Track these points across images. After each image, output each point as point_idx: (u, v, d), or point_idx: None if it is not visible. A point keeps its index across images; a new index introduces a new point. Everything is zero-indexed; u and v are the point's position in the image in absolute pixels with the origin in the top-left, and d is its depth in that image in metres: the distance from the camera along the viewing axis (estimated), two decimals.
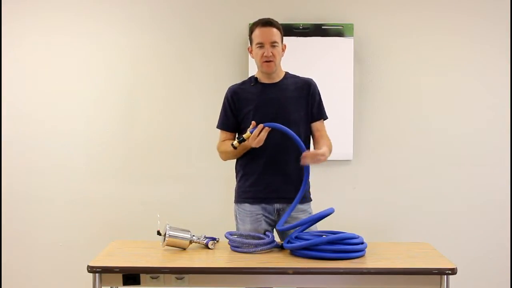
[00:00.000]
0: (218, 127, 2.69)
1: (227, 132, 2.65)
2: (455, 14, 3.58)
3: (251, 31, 2.58)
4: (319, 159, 2.42)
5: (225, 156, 2.67)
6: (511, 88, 3.57)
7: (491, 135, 3.59)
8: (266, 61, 2.55)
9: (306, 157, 2.41)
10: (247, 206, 2.62)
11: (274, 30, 2.54)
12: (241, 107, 2.62)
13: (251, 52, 2.61)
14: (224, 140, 2.65)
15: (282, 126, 2.42)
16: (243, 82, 2.71)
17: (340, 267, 2.13)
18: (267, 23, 2.54)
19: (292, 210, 2.49)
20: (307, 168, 2.47)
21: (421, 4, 3.59)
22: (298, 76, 2.69)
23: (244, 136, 2.41)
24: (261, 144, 2.42)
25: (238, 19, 3.56)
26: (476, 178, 3.60)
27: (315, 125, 2.66)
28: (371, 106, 3.60)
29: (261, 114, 2.57)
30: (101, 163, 3.60)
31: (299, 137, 2.57)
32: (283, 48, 2.61)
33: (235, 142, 2.41)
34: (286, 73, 2.69)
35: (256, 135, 2.39)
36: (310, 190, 2.68)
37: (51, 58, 3.59)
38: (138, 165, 3.61)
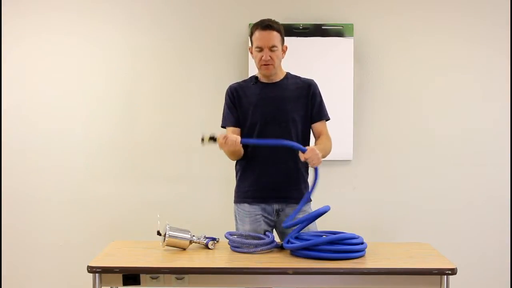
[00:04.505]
0: (222, 125, 2.68)
1: (233, 128, 2.62)
2: (455, 15, 3.59)
3: (251, 32, 2.57)
4: (313, 159, 2.38)
5: (229, 156, 2.63)
6: (511, 88, 3.57)
7: (491, 134, 3.59)
8: (265, 65, 2.55)
9: (307, 152, 2.38)
10: (246, 206, 2.63)
11: (274, 33, 2.51)
12: (241, 105, 2.62)
13: (251, 52, 2.61)
14: None
15: (275, 140, 2.45)
16: (244, 81, 2.71)
17: (340, 267, 2.13)
18: (267, 26, 2.51)
19: (298, 211, 2.46)
20: (316, 170, 2.43)
21: (421, 4, 3.59)
22: (300, 77, 2.69)
23: (216, 136, 2.40)
24: (231, 148, 2.41)
25: (238, 19, 3.56)
26: (476, 178, 3.60)
27: (316, 126, 2.66)
28: (371, 106, 3.60)
29: (259, 113, 2.57)
30: (101, 163, 3.60)
31: (297, 136, 2.58)
32: (284, 50, 2.60)
33: (206, 137, 2.40)
34: (287, 73, 2.68)
35: (223, 142, 2.38)
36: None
37: (51, 58, 3.59)
38: (138, 165, 3.61)
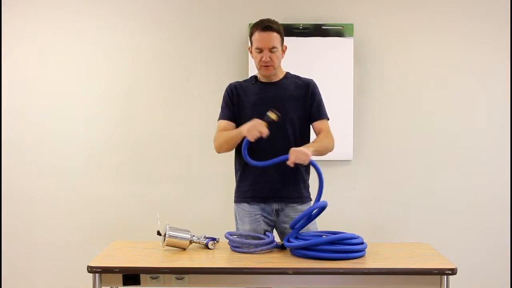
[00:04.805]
0: (218, 119, 2.67)
1: (228, 122, 2.62)
2: (455, 14, 3.59)
3: (251, 32, 2.57)
4: (301, 157, 2.38)
5: (222, 143, 2.60)
6: (511, 88, 3.57)
7: (491, 134, 3.59)
8: (264, 66, 2.55)
9: (290, 156, 2.39)
10: (245, 206, 2.62)
11: (274, 34, 2.52)
12: (239, 104, 2.62)
13: (251, 52, 2.61)
14: (223, 131, 2.61)
15: (262, 162, 2.46)
16: (245, 81, 2.72)
17: (340, 267, 2.13)
18: (266, 27, 2.51)
19: (309, 212, 2.41)
20: (318, 170, 2.41)
21: (421, 4, 3.59)
22: (299, 77, 2.69)
23: (273, 118, 2.41)
24: (251, 134, 2.41)
25: (238, 19, 3.56)
26: (476, 178, 3.60)
27: (316, 125, 2.65)
28: (371, 106, 3.60)
29: (258, 112, 2.56)
30: (101, 163, 3.60)
31: (295, 136, 2.59)
32: (284, 50, 2.61)
33: (272, 114, 2.41)
34: (287, 73, 2.69)
35: (254, 125, 2.39)
36: (310, 190, 2.68)
37: (51, 58, 3.59)
38: (138, 165, 3.61)
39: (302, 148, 2.41)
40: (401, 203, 3.61)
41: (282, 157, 2.43)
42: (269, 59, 2.52)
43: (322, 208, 2.35)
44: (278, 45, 2.53)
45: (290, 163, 2.40)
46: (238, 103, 2.62)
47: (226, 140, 2.58)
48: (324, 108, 2.67)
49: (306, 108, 2.63)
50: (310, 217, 2.39)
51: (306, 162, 2.40)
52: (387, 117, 3.61)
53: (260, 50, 2.52)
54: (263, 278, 2.15)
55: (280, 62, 2.60)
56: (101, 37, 3.60)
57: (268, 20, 2.55)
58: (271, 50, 2.52)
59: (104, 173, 3.61)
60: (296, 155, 2.38)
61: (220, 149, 2.63)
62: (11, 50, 3.57)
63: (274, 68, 2.57)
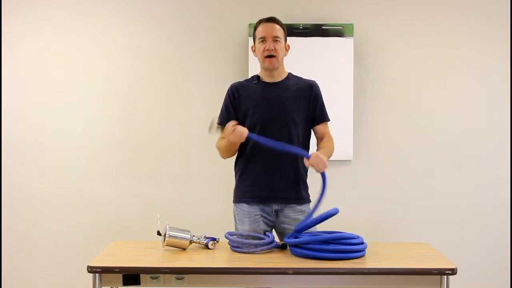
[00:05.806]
0: (218, 123, 2.68)
1: None
2: (455, 14, 3.59)
3: (255, 28, 2.60)
4: (319, 166, 2.37)
5: (223, 152, 2.64)
6: (511, 88, 3.57)
7: (491, 134, 3.59)
8: (268, 56, 2.55)
9: (311, 158, 2.38)
10: (245, 206, 2.62)
11: (277, 26, 2.56)
12: (241, 104, 2.62)
13: (254, 51, 2.61)
14: (224, 137, 2.62)
15: (280, 144, 2.43)
16: (246, 80, 2.72)
17: (340, 267, 2.13)
18: (270, 19, 2.58)
19: (310, 215, 2.41)
20: (324, 177, 2.40)
21: (421, 4, 3.59)
22: (301, 78, 2.69)
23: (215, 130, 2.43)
24: (237, 139, 2.42)
25: (238, 19, 3.56)
26: (476, 178, 3.60)
27: (319, 128, 2.66)
28: (371, 106, 3.60)
29: (260, 112, 2.57)
30: (101, 163, 3.60)
31: (298, 138, 2.58)
32: (287, 48, 2.62)
33: (214, 123, 2.43)
34: (289, 74, 2.69)
35: (231, 130, 2.40)
36: (309, 191, 2.68)
37: (51, 58, 3.59)
38: (138, 165, 3.61)
39: (324, 158, 2.39)
40: (401, 203, 3.61)
41: (301, 152, 2.43)
42: (272, 47, 2.53)
43: (331, 215, 2.33)
44: (281, 36, 2.56)
45: (307, 164, 2.40)
46: (240, 103, 2.62)
47: (225, 150, 2.62)
48: (326, 110, 2.68)
49: (309, 110, 2.63)
50: (317, 221, 2.37)
51: (320, 172, 2.40)
52: (387, 117, 3.61)
53: (264, 40, 2.54)
54: (263, 278, 2.15)
55: (283, 56, 2.61)
56: (101, 37, 3.60)
57: (272, 16, 2.61)
58: (275, 39, 2.54)
59: (104, 173, 3.61)
60: (317, 161, 2.38)
61: (224, 157, 2.68)
62: (11, 50, 3.57)
63: (277, 60, 2.57)
